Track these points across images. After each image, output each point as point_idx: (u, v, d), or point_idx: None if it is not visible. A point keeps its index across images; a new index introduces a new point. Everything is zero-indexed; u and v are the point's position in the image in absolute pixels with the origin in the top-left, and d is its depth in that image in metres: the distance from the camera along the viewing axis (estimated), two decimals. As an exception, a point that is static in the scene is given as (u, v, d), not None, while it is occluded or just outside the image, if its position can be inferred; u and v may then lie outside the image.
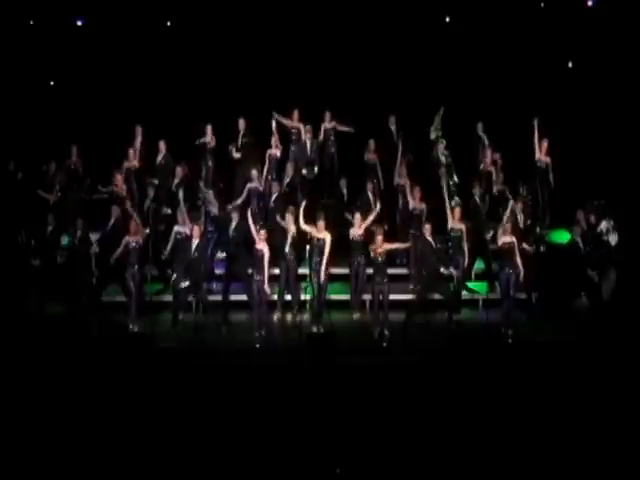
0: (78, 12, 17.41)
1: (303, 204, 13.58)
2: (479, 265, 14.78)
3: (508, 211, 13.67)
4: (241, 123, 15.96)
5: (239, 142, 15.94)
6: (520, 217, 14.18)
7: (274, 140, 15.65)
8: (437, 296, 13.87)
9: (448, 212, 13.86)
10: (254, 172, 15.16)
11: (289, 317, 14.11)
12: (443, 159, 15.58)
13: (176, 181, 15.12)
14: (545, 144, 15.38)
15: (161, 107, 16.70)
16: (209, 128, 15.88)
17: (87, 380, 11.26)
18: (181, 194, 14.13)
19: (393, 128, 16.16)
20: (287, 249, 13.72)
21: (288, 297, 14.06)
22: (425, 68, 17.17)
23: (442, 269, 13.53)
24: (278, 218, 14.13)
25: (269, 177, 15.53)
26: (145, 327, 13.21)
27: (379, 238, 13.01)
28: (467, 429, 10.01)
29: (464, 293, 14.24)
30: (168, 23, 17.64)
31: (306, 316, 13.64)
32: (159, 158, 15.74)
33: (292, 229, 13.64)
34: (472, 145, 16.09)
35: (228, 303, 13.88)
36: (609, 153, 16.09)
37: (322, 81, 16.90)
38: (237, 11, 17.28)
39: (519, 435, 9.88)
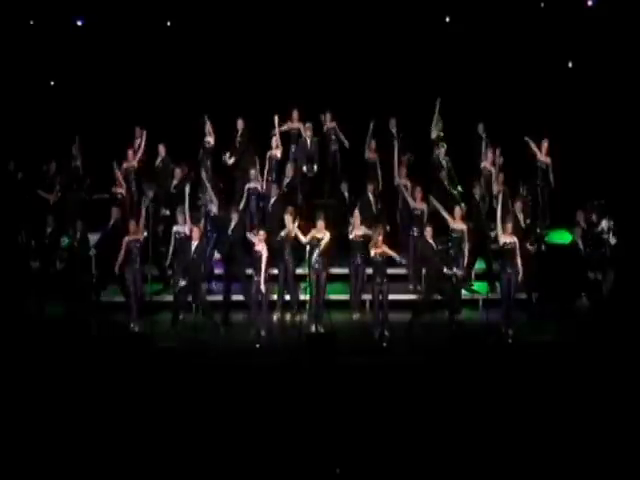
0: (78, 12, 17.43)
1: (296, 224, 13.52)
2: (480, 265, 14.78)
3: (499, 207, 13.54)
4: (239, 123, 15.95)
5: (236, 142, 15.92)
6: (520, 217, 14.17)
7: (274, 140, 15.65)
8: (437, 296, 13.86)
9: (446, 215, 13.84)
10: (253, 172, 15.13)
11: (288, 317, 14.11)
12: (444, 163, 15.58)
13: (175, 182, 15.11)
14: (545, 144, 15.42)
15: (161, 107, 16.71)
16: (208, 125, 15.83)
17: (87, 380, 11.27)
18: (187, 190, 13.92)
19: (394, 131, 16.13)
20: (285, 249, 13.71)
21: (288, 297, 14.06)
22: (425, 68, 17.16)
23: (445, 269, 13.52)
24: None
25: (269, 178, 15.52)
26: (145, 327, 13.22)
27: (379, 238, 13.01)
28: (467, 429, 10.01)
29: (464, 293, 14.23)
30: (168, 23, 17.65)
31: (305, 316, 13.63)
32: (158, 161, 15.73)
33: (290, 229, 13.63)
34: (472, 145, 16.07)
35: (229, 303, 13.87)
36: (609, 153, 16.10)
37: (322, 81, 16.91)
38: (237, 11, 17.29)
39: (519, 435, 9.89)
